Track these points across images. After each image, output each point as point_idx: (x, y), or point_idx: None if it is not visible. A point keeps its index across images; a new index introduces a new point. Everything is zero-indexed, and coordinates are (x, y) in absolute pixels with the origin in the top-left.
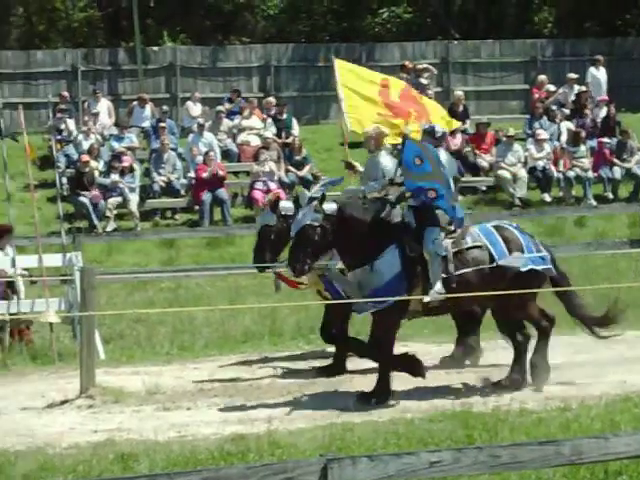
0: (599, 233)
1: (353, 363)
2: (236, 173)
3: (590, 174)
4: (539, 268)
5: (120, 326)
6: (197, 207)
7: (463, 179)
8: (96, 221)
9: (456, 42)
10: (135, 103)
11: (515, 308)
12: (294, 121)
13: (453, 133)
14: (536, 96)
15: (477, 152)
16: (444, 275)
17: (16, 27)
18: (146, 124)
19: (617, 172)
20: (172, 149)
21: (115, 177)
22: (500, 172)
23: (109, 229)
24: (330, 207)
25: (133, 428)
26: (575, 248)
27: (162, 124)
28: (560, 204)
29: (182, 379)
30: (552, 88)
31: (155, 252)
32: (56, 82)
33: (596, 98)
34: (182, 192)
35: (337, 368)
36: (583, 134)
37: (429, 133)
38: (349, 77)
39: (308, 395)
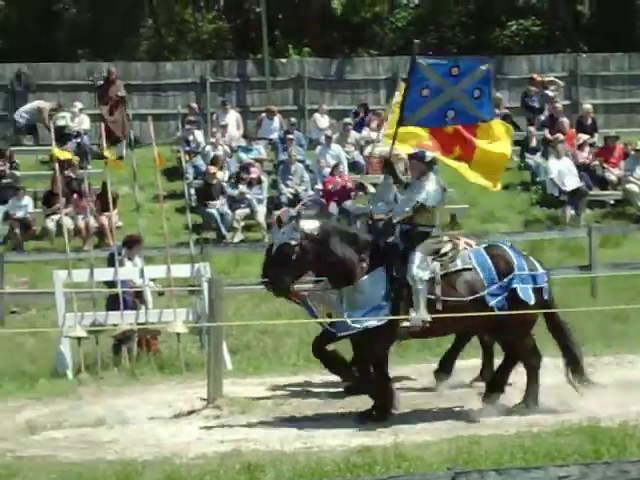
0: None
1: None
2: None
3: None
4: (523, 288)
5: (247, 337)
6: None
7: (591, 192)
8: (224, 232)
9: (584, 55)
10: (263, 115)
11: (510, 332)
12: None
13: (581, 147)
14: None
15: (605, 166)
16: (431, 296)
17: (145, 39)
18: (274, 136)
19: None
20: (299, 161)
21: (243, 188)
22: (628, 186)
23: (236, 240)
24: (309, 226)
25: (259, 439)
26: None
27: (290, 136)
28: None
29: (308, 390)
30: None
31: None
32: (185, 94)
33: None
34: None
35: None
36: None
37: (419, 158)
38: None
39: (434, 408)
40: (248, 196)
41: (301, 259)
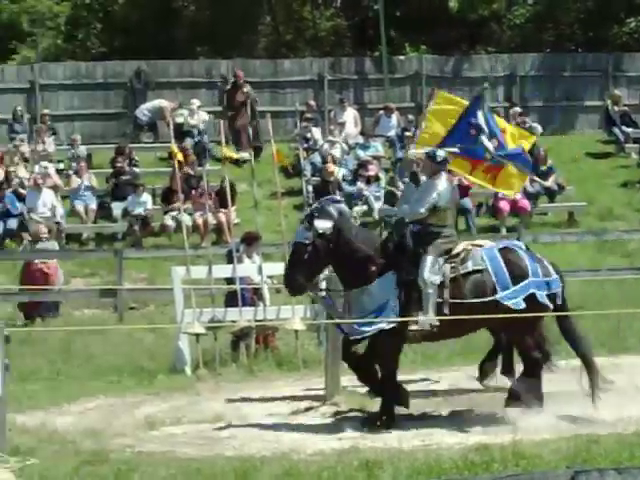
0: None
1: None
2: None
3: None
4: (540, 294)
5: None
6: None
7: None
8: None
9: None
10: (381, 112)
11: (513, 333)
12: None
13: None
14: None
15: None
16: (439, 300)
17: (264, 36)
18: (391, 133)
19: None
20: None
21: (361, 185)
22: None
23: None
24: (323, 225)
25: (377, 435)
26: None
27: (408, 133)
28: None
29: (426, 388)
30: None
31: None
32: (303, 91)
33: None
34: None
35: None
36: None
37: (430, 157)
38: (444, 108)
39: (553, 405)
40: (365, 193)
41: (314, 258)
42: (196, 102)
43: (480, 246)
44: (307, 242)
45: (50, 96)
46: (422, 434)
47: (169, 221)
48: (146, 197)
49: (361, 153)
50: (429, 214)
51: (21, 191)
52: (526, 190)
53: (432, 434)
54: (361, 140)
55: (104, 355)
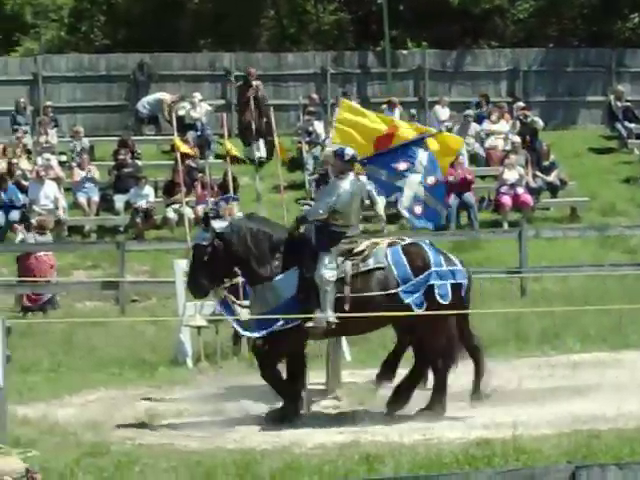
0: None
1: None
2: (483, 177)
3: None
4: (440, 285)
5: None
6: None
7: None
8: None
9: None
10: (384, 106)
11: (423, 330)
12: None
13: None
14: None
15: None
16: (340, 295)
17: (267, 29)
18: None
19: None
20: None
21: (363, 179)
22: None
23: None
24: (219, 225)
25: (378, 430)
26: None
27: None
28: None
29: (427, 383)
30: None
31: None
32: (306, 84)
33: None
34: None
35: None
36: None
37: (338, 155)
38: (350, 117)
39: (553, 401)
40: (368, 187)
41: (214, 259)
42: (198, 95)
43: (394, 243)
44: (205, 243)
45: (53, 88)
46: (423, 428)
47: (171, 214)
48: (148, 190)
49: None
50: (331, 214)
51: (23, 183)
52: (529, 185)
53: (433, 428)
54: None
55: (105, 347)
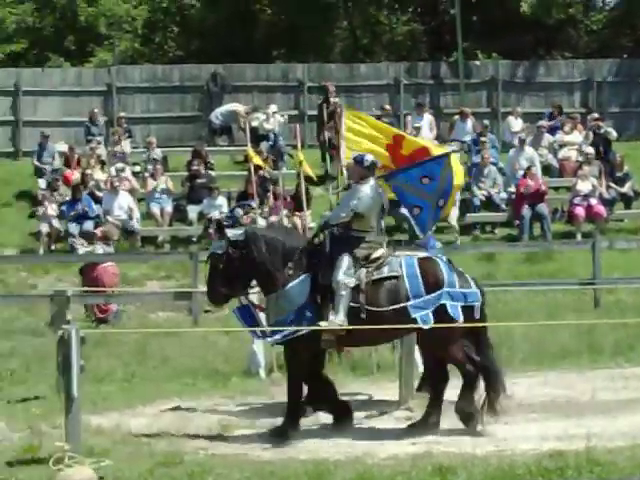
0: None
1: None
2: (556, 188)
3: None
4: (452, 305)
5: None
6: (517, 222)
7: None
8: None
9: None
10: (457, 117)
11: (436, 346)
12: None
13: None
14: None
15: None
16: (354, 304)
17: (340, 40)
18: (466, 138)
19: None
20: (492, 163)
21: None
22: None
23: None
24: (234, 233)
25: (451, 441)
26: None
27: (483, 138)
28: None
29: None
30: None
31: (473, 266)
32: (378, 95)
33: None
34: (502, 207)
35: None
36: None
37: (358, 162)
38: (358, 126)
39: (627, 413)
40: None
41: (230, 268)
42: (273, 107)
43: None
44: (220, 252)
45: (127, 99)
46: (496, 439)
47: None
48: (221, 200)
49: None
50: (352, 219)
51: (97, 193)
52: (602, 196)
53: (506, 439)
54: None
55: (179, 358)
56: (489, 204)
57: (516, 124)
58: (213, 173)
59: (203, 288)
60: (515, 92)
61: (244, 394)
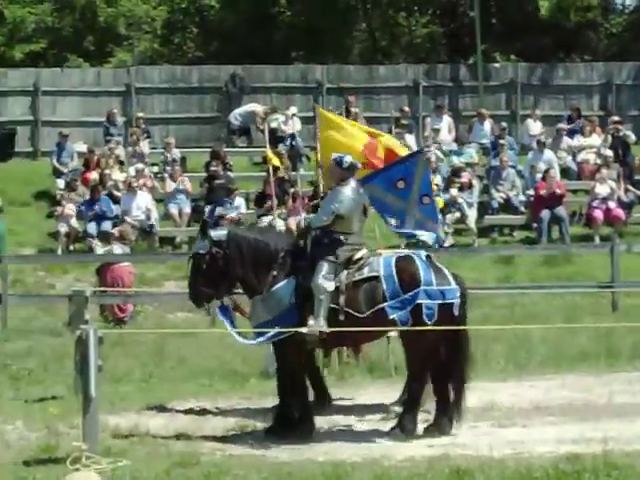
0: None
1: None
2: (575, 191)
3: None
4: (429, 304)
5: None
6: (535, 225)
7: None
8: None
9: None
10: (475, 119)
11: (410, 345)
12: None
13: None
14: None
15: None
16: (334, 306)
17: (359, 42)
18: (485, 140)
19: None
20: (511, 166)
21: (454, 192)
22: None
23: (447, 244)
24: (217, 234)
25: (468, 443)
26: None
27: (502, 141)
28: None
29: (518, 396)
30: None
31: (491, 269)
32: (397, 97)
33: None
34: (520, 209)
35: None
36: None
37: (337, 163)
38: (331, 125)
39: None
40: (459, 200)
41: (212, 268)
42: (293, 109)
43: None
44: (203, 252)
45: (145, 99)
46: (513, 442)
47: (262, 225)
48: (240, 201)
49: (455, 159)
50: (333, 222)
51: (116, 194)
52: (620, 199)
53: (523, 442)
54: (455, 147)
55: (196, 358)
56: (507, 207)
57: (535, 127)
58: (231, 174)
59: None
60: (534, 95)
61: (262, 395)
